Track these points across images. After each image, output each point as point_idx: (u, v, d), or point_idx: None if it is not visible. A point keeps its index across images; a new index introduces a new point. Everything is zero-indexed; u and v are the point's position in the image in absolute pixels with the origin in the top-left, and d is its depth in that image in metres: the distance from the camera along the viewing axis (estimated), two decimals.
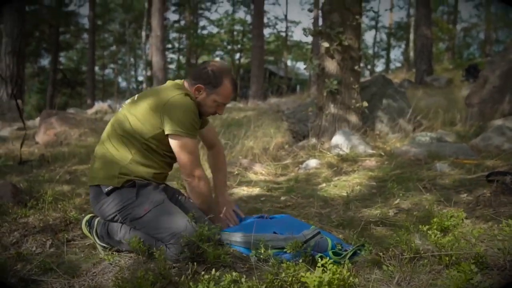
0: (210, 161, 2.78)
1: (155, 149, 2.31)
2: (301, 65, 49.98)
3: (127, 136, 2.29)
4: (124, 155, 2.28)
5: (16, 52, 12.22)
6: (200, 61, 34.73)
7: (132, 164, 2.28)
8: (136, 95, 2.47)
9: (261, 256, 2.02)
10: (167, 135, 2.25)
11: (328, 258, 1.94)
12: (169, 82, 2.44)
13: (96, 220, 2.40)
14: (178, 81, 2.45)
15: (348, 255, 2.00)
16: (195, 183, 2.30)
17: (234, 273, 1.72)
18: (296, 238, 2.07)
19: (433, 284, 1.76)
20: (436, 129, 6.22)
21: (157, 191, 2.29)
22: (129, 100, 2.45)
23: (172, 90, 2.32)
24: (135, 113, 2.30)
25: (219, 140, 2.86)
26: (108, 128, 2.41)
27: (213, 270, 1.74)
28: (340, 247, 2.07)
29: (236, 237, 2.23)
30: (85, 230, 2.43)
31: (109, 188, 2.24)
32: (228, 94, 2.40)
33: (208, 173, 2.77)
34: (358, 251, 2.06)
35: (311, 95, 13.66)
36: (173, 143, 2.26)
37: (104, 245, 2.33)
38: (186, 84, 2.42)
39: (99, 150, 2.38)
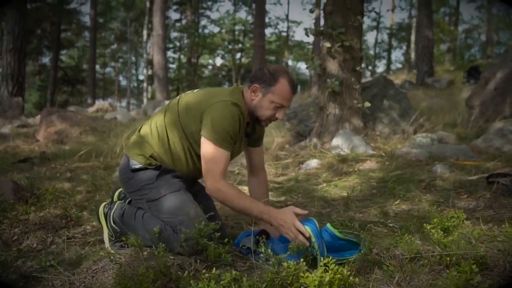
0: (252, 187, 2.63)
1: (185, 148, 2.31)
2: (302, 65, 49.99)
3: (170, 126, 2.31)
4: (161, 143, 2.32)
5: (17, 49, 12.24)
6: (201, 60, 34.77)
7: (164, 154, 2.31)
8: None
9: (262, 255, 2.03)
10: (201, 136, 2.21)
11: (328, 255, 1.94)
12: (234, 86, 2.38)
13: (116, 204, 2.43)
14: (240, 87, 2.38)
15: (350, 238, 2.08)
16: (215, 194, 2.22)
17: (234, 272, 1.73)
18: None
19: (433, 284, 1.76)
20: (437, 130, 6.21)
21: (176, 179, 2.31)
22: (189, 91, 2.46)
23: (224, 94, 2.27)
24: (186, 102, 2.31)
25: (264, 168, 2.70)
26: (160, 110, 2.43)
27: (214, 268, 1.75)
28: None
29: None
30: (101, 212, 2.44)
31: (136, 166, 2.30)
32: (285, 93, 2.26)
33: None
34: (358, 245, 2.09)
35: (312, 95, 13.68)
36: (202, 147, 2.21)
37: (115, 227, 2.35)
38: (244, 90, 2.34)
39: (144, 127, 2.43)
